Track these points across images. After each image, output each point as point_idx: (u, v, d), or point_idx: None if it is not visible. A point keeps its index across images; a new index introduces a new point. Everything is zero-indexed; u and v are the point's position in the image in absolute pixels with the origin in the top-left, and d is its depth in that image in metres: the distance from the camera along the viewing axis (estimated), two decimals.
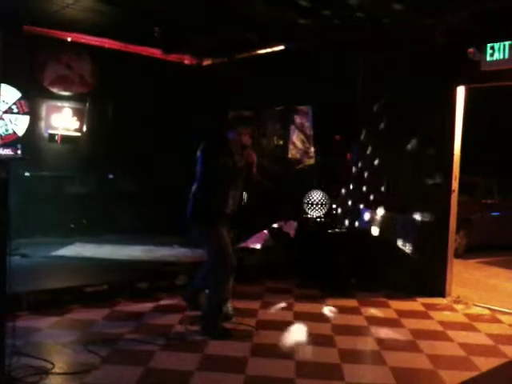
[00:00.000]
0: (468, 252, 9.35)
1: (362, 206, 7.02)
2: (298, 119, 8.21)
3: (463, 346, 4.58)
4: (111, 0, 6.19)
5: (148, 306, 5.33)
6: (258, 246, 7.29)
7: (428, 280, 6.30)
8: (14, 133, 7.22)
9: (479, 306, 5.92)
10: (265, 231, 7.36)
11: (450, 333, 4.93)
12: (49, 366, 3.69)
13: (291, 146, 8.27)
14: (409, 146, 6.48)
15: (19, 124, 7.32)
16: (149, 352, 4.07)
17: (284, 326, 4.95)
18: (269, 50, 7.98)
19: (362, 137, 7.00)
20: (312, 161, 7.92)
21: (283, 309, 5.53)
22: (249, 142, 4.64)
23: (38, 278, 5.63)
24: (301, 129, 8.15)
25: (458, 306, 5.90)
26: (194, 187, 4.58)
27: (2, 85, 7.17)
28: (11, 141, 7.16)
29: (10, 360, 3.46)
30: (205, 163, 4.48)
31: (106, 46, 8.35)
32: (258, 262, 7.01)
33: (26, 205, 7.32)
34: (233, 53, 8.46)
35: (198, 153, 4.51)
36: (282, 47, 7.81)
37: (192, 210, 4.56)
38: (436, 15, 5.77)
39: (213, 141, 4.59)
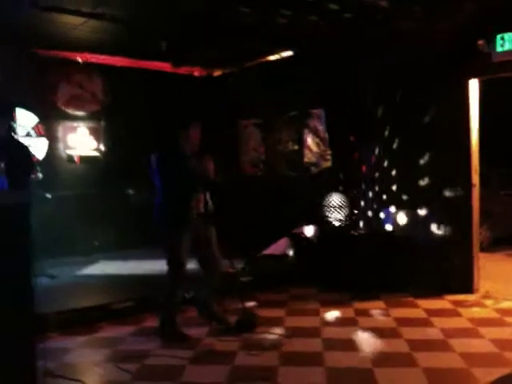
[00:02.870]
0: (494, 244, 9.22)
1: (384, 206, 6.96)
2: (311, 123, 8.19)
3: (495, 341, 4.50)
4: (117, 19, 6.25)
5: None
6: (279, 253, 7.27)
7: (455, 276, 6.22)
8: (34, 156, 7.32)
9: (509, 300, 5.82)
10: (285, 237, 7.34)
11: (481, 329, 4.86)
12: None
13: (307, 151, 8.25)
14: (426, 143, 6.43)
15: (38, 147, 7.42)
16: (178, 366, 4.08)
17: (312, 332, 4.92)
18: (277, 56, 8.00)
19: (386, 134, 6.96)
20: (329, 163, 7.89)
21: (310, 315, 5.50)
22: (198, 139, 4.75)
23: (65, 297, 5.69)
24: (315, 132, 8.13)
25: (488, 302, 5.82)
26: (156, 198, 4.73)
27: (19, 110, 7.31)
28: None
29: (42, 382, 3.50)
30: (161, 174, 4.64)
31: (116, 63, 8.45)
32: (280, 268, 7.00)
33: (49, 226, 7.39)
34: (242, 62, 8.50)
35: (154, 166, 4.68)
36: (290, 53, 7.82)
37: (157, 216, 4.71)
38: (432, 11, 5.72)
39: (165, 151, 4.76)
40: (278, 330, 4.90)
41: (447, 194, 6.28)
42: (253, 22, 6.12)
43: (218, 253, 4.85)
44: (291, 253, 7.17)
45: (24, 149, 5.58)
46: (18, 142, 5.85)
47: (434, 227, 6.41)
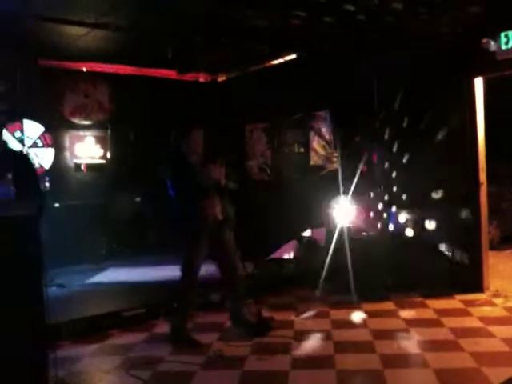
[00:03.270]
0: (503, 242, 9.17)
1: (391, 207, 6.95)
2: (316, 125, 8.20)
3: (506, 340, 4.48)
4: (121, 28, 6.29)
5: None
6: (288, 256, 7.27)
7: (464, 275, 6.20)
8: (41, 166, 7.39)
9: None
10: (294, 241, 7.34)
11: (492, 328, 4.84)
12: None
13: (313, 153, 8.26)
14: (432, 142, 6.42)
15: (45, 157, 7.49)
16: (189, 372, 4.09)
17: (322, 335, 4.92)
18: (281, 60, 8.01)
19: (386, 136, 6.95)
20: (336, 165, 7.87)
21: (319, 317, 5.49)
22: (200, 146, 4.75)
23: (76, 306, 5.72)
24: (321, 135, 8.14)
25: (498, 300, 5.79)
26: (172, 208, 4.75)
27: (25, 120, 7.37)
28: (38, 174, 7.34)
29: None
30: (172, 184, 4.67)
31: (121, 71, 8.51)
32: (288, 272, 6.99)
33: (57, 236, 7.42)
34: (246, 66, 8.52)
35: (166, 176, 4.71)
36: (294, 56, 7.83)
37: (173, 224, 4.78)
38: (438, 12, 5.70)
39: (171, 163, 4.77)
40: (288, 334, 4.89)
41: (455, 192, 6.25)
42: (264, 24, 6.11)
43: (236, 257, 4.87)
44: (299, 256, 7.15)
45: (26, 159, 5.61)
46: (21, 153, 5.88)
47: (442, 226, 6.38)
